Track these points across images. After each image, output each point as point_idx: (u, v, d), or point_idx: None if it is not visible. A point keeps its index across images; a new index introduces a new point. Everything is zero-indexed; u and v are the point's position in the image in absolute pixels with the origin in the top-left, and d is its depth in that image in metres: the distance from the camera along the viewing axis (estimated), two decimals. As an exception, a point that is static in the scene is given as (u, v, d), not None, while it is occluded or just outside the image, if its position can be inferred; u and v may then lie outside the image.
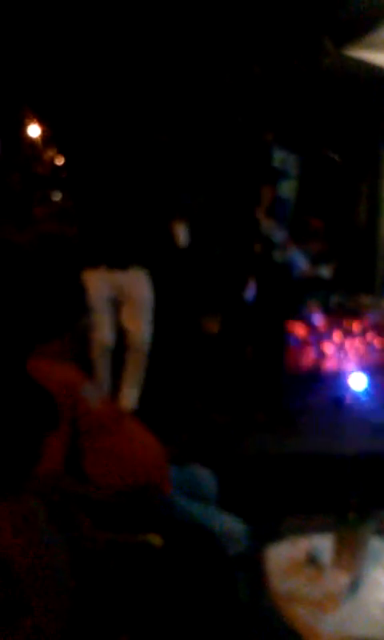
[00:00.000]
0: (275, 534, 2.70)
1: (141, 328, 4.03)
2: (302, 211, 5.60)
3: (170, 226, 4.25)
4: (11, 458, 1.68)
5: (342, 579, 2.03)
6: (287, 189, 4.57)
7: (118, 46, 5.65)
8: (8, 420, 1.71)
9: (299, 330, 4.77)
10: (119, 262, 3.90)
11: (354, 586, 2.08)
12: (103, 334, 3.85)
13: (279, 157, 4.48)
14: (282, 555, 2.24)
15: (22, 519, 1.50)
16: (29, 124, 16.20)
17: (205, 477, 2.67)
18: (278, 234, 4.48)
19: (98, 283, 3.78)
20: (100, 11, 5.52)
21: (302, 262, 4.85)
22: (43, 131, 16.17)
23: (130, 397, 4.09)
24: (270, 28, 4.57)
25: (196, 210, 4.86)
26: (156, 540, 2.09)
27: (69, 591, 1.52)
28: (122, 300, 3.98)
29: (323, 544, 2.23)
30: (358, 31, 4.99)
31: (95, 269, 3.84)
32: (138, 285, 4.00)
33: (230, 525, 2.42)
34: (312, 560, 2.20)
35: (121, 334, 4.06)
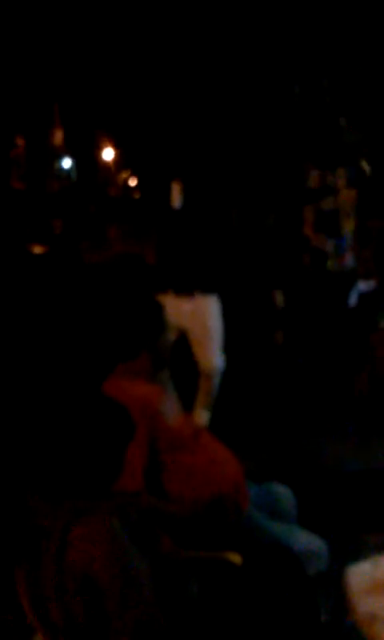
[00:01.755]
0: (356, 553, 2.63)
1: (211, 357, 3.99)
2: (363, 216, 5.53)
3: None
4: (92, 475, 1.70)
5: None
6: (332, 202, 4.56)
7: (186, 71, 5.73)
8: (86, 436, 1.73)
9: (376, 342, 4.67)
10: (186, 288, 3.87)
11: None
12: None
13: (314, 175, 4.48)
14: (363, 574, 2.18)
15: (105, 536, 1.52)
16: (103, 147, 16.60)
17: (283, 494, 2.63)
18: (329, 245, 4.47)
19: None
20: (171, 37, 5.62)
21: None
22: (117, 154, 16.52)
23: (200, 418, 4.09)
24: (338, 41, 4.55)
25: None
26: (235, 558, 2.07)
27: (152, 608, 1.52)
28: (190, 328, 3.95)
29: (406, 564, 2.17)
30: None
31: (162, 295, 3.84)
32: (209, 313, 3.96)
33: (310, 543, 2.38)
34: (396, 580, 2.14)
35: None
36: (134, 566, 1.54)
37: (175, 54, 5.79)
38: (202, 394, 4.08)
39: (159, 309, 2.58)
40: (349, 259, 4.75)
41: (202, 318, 3.94)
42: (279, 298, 4.71)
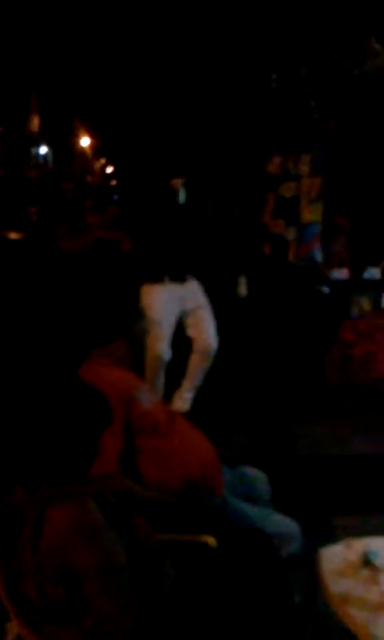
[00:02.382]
0: (330, 535, 2.65)
1: (208, 336, 4.00)
2: (331, 210, 5.53)
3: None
4: (68, 458, 1.68)
5: (398, 582, 1.97)
6: (290, 189, 4.45)
7: (161, 64, 5.68)
8: (62, 421, 1.72)
9: (349, 330, 4.70)
10: (180, 274, 3.88)
11: (411, 589, 2.02)
12: (162, 347, 3.81)
13: (275, 161, 4.39)
14: (336, 557, 2.20)
15: (81, 520, 1.50)
16: (80, 135, 16.47)
17: (258, 477, 2.64)
18: (291, 232, 4.41)
19: (163, 296, 3.77)
20: (147, 33, 5.56)
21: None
22: (93, 142, 16.39)
23: (185, 400, 4.07)
24: (317, 29, 4.51)
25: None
26: (211, 541, 2.08)
27: (129, 591, 1.51)
28: (187, 311, 3.96)
29: (378, 546, 2.18)
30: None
31: (159, 283, 3.82)
32: (199, 294, 3.98)
33: (283, 525, 2.39)
34: (367, 562, 2.15)
35: (185, 341, 4.03)
36: (111, 548, 1.53)
37: (149, 44, 5.73)
38: (193, 374, 4.06)
39: (135, 295, 2.57)
40: (315, 250, 4.69)
41: (196, 300, 3.95)
42: (242, 287, 4.63)
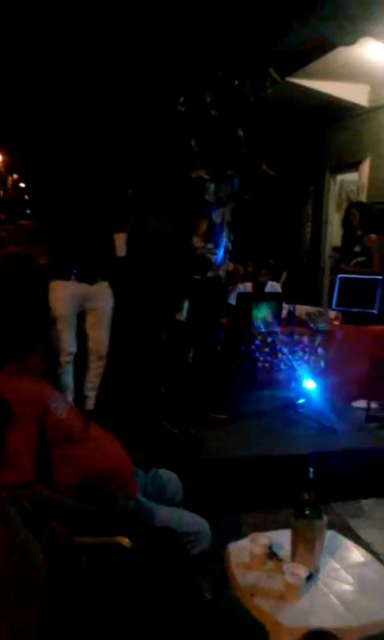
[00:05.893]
0: (237, 531, 2.69)
1: (103, 338, 4.05)
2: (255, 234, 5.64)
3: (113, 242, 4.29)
4: None
5: (301, 572, 2.04)
6: (221, 214, 4.55)
7: (77, 80, 5.64)
8: None
9: (252, 338, 4.79)
10: (87, 276, 3.90)
11: (312, 578, 2.09)
12: (65, 338, 3.85)
13: (210, 190, 4.48)
14: (243, 551, 2.24)
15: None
16: (-8, 151, 16.08)
17: (170, 479, 2.66)
18: (215, 256, 4.49)
19: (67, 294, 3.81)
20: (63, 49, 5.50)
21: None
22: (6, 157, 16.05)
23: (89, 399, 4.10)
24: (221, 58, 4.60)
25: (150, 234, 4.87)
26: (125, 542, 2.07)
27: (45, 593, 1.49)
28: (87, 310, 3.98)
29: (282, 539, 2.24)
30: (301, 61, 5.09)
31: (64, 281, 3.84)
32: (103, 296, 4.01)
33: (195, 524, 2.41)
34: (271, 554, 2.21)
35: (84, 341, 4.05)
36: (28, 552, 1.51)
37: (63, 69, 5.68)
38: (91, 373, 4.08)
39: (46, 307, 2.54)
40: (221, 269, 4.78)
41: (98, 302, 3.97)
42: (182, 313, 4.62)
